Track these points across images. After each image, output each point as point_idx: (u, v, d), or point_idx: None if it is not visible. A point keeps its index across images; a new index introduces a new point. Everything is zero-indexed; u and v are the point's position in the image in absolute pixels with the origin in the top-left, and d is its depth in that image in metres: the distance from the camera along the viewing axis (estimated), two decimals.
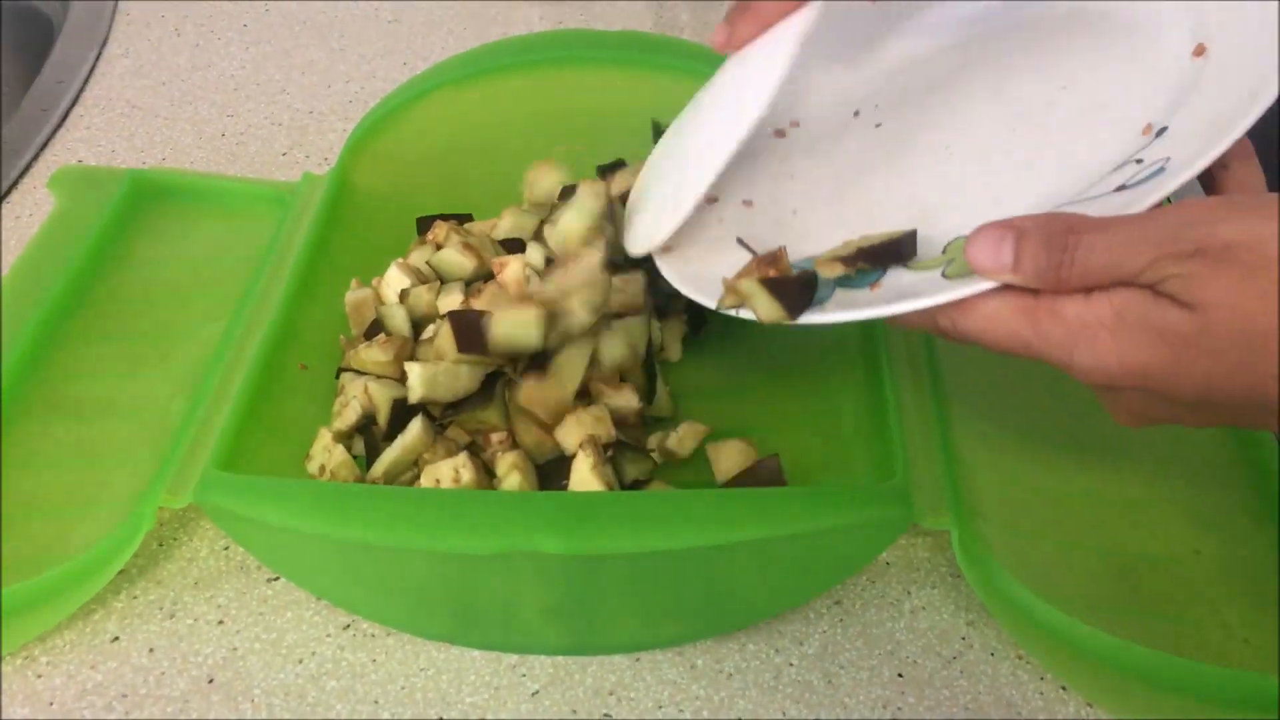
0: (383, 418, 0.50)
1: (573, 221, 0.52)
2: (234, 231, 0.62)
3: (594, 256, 0.48)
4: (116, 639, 0.46)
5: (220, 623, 0.47)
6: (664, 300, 0.55)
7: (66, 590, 0.44)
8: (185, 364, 0.53)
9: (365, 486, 0.48)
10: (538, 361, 0.49)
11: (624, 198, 0.56)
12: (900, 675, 0.45)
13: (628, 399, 0.50)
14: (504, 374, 0.50)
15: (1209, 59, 0.41)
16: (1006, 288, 0.37)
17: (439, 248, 0.57)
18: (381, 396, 0.50)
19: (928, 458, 0.46)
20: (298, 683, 0.45)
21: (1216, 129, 0.37)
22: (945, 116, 0.48)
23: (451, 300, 0.54)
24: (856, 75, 0.54)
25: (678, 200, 0.47)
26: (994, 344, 0.38)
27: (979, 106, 0.47)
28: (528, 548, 0.39)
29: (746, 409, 0.54)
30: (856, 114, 0.52)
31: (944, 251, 0.41)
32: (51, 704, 0.44)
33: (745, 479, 0.48)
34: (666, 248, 0.49)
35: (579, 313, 0.48)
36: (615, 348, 0.50)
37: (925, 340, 0.52)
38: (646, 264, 0.57)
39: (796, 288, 0.41)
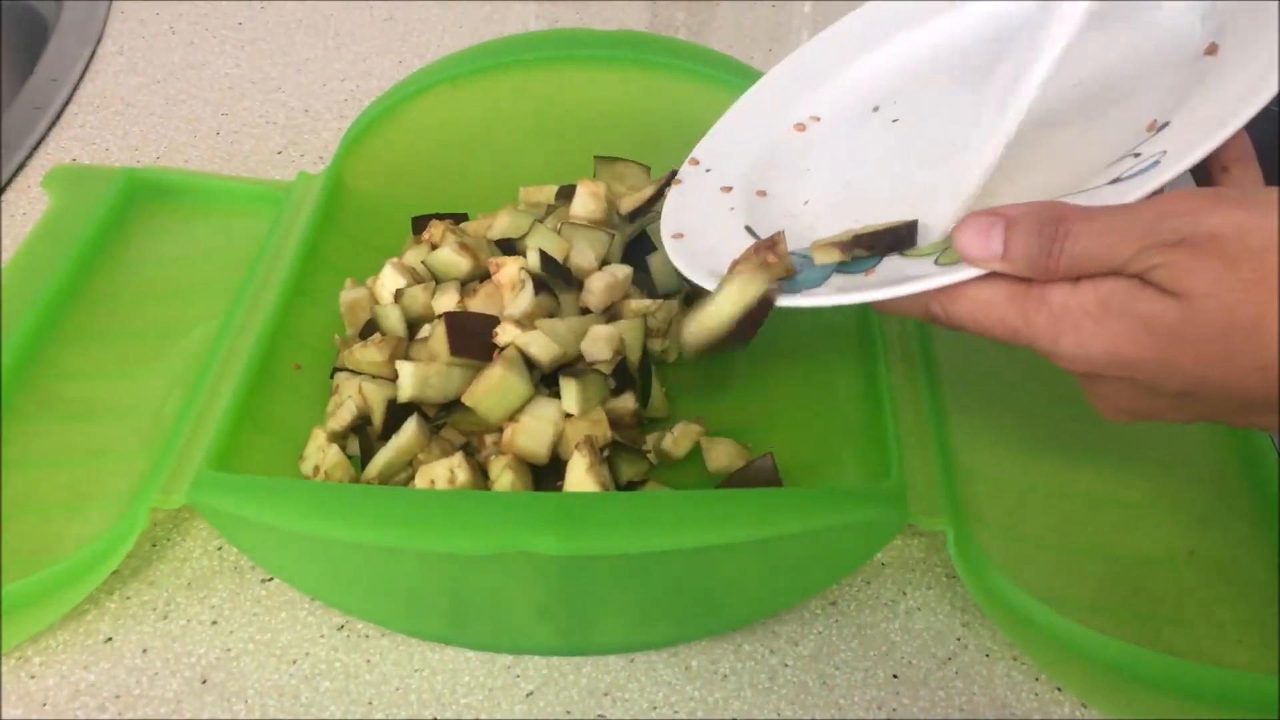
0: (377, 418, 0.50)
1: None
2: (229, 230, 0.62)
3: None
4: (110, 639, 0.46)
5: (214, 623, 0.47)
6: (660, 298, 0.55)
7: (60, 591, 0.44)
8: (179, 363, 0.53)
9: (360, 487, 0.47)
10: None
11: (633, 214, 0.56)
12: (895, 676, 0.45)
13: (624, 400, 0.50)
14: None
15: (1218, 57, 0.41)
16: (997, 274, 0.37)
17: (434, 247, 0.57)
18: (376, 397, 0.50)
19: (923, 458, 0.47)
20: (291, 683, 0.45)
21: (1215, 123, 0.37)
22: (959, 114, 0.48)
23: (447, 300, 0.53)
24: (879, 70, 0.54)
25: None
26: (983, 330, 0.38)
27: (993, 106, 0.47)
28: (523, 549, 0.39)
29: (742, 409, 0.54)
30: (876, 109, 0.52)
31: (941, 239, 0.41)
32: (44, 705, 0.44)
33: (740, 478, 0.48)
34: (678, 234, 0.48)
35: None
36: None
37: (921, 340, 0.52)
38: (640, 265, 0.57)
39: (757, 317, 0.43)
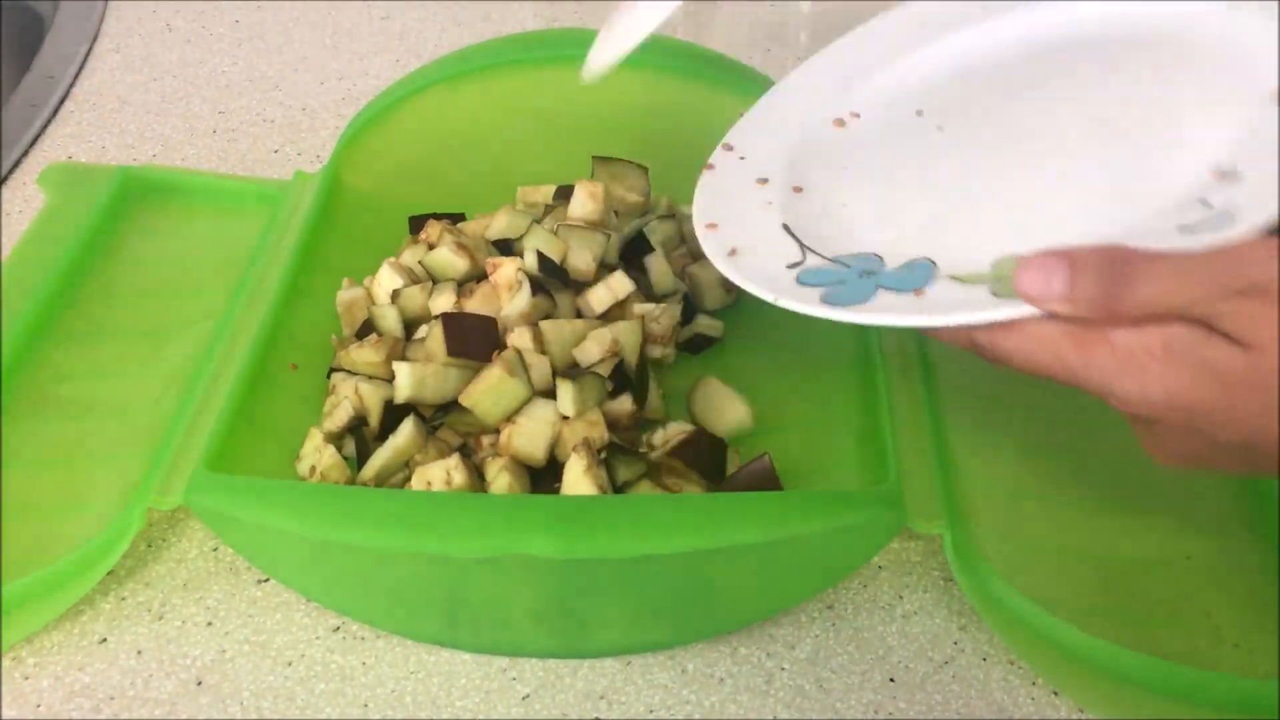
0: (374, 419, 0.50)
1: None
2: (225, 229, 0.62)
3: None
4: (104, 640, 0.46)
5: (209, 624, 0.47)
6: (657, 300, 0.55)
7: (54, 591, 0.44)
8: (175, 363, 0.53)
9: (356, 488, 0.47)
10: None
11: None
12: (892, 680, 0.45)
13: (622, 402, 0.50)
14: None
15: None
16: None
17: (431, 247, 0.57)
18: (373, 397, 0.50)
19: (920, 461, 0.46)
20: (287, 685, 0.45)
21: None
22: (1010, 129, 0.47)
23: (444, 301, 0.53)
24: (924, 73, 0.53)
25: None
26: (1032, 365, 0.37)
27: (1047, 123, 0.47)
28: (519, 551, 0.39)
29: None
30: (919, 114, 0.51)
31: (992, 267, 0.40)
32: (39, 706, 0.44)
33: (738, 480, 0.48)
34: (712, 224, 0.48)
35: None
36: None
37: (919, 343, 0.52)
38: (638, 266, 0.57)
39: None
